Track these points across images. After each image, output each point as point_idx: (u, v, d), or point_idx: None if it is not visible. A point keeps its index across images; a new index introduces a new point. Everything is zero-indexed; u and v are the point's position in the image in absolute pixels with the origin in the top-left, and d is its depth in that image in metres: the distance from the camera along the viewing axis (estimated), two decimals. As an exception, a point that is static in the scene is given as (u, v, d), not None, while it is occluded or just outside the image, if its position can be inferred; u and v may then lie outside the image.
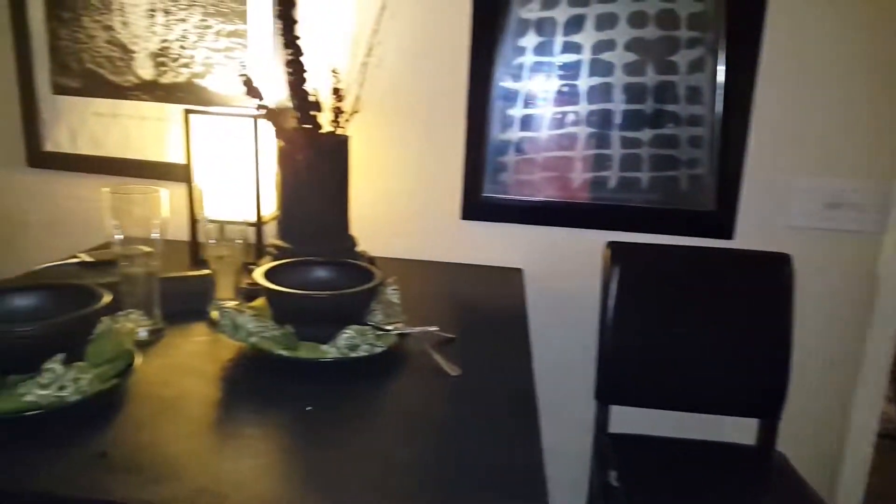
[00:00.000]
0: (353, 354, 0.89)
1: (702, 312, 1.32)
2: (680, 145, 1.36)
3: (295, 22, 1.02)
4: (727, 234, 1.40)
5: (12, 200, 1.62)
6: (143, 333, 0.94)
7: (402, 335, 0.96)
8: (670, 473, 1.23)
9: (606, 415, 1.35)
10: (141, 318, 0.93)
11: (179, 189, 1.28)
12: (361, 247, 1.27)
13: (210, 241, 1.09)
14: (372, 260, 1.21)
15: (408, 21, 1.34)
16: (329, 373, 0.88)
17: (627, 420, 1.37)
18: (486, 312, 1.18)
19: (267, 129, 1.33)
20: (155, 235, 0.97)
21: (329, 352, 0.88)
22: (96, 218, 1.58)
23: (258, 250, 1.29)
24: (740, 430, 1.38)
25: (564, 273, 1.45)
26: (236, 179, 1.28)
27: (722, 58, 1.32)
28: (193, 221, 1.34)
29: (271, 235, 1.38)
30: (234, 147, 1.29)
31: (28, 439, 0.69)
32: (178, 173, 1.46)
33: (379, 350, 0.90)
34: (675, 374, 1.31)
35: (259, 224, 1.31)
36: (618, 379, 1.33)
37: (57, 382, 0.72)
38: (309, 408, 0.79)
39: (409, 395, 0.86)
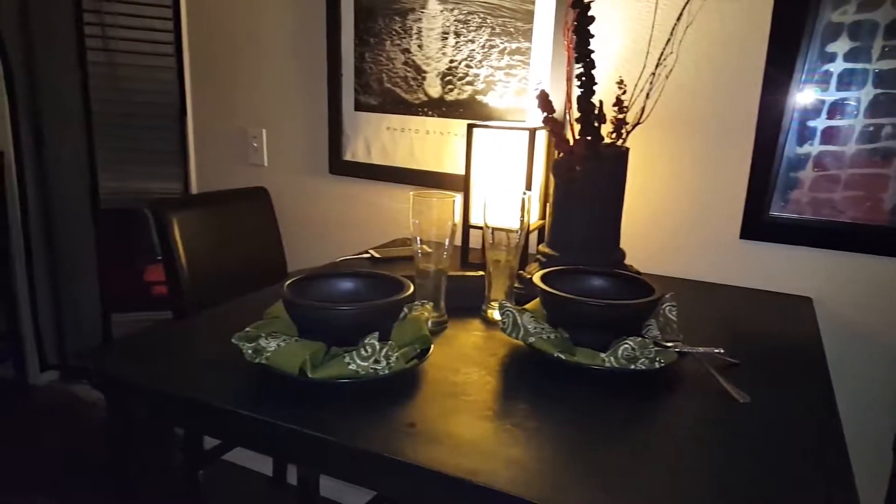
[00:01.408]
0: (632, 367, 0.87)
1: None
2: None
3: (591, 36, 1.04)
4: None
5: (316, 202, 1.89)
6: (429, 323, 1.03)
7: (681, 353, 0.93)
8: None
9: (909, 476, 1.15)
10: (431, 309, 1.02)
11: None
12: (629, 261, 1.25)
13: (487, 246, 1.16)
14: (639, 275, 1.18)
15: (703, 30, 1.30)
16: (603, 380, 0.88)
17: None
18: (773, 341, 1.08)
19: (543, 140, 1.38)
20: (446, 237, 1.05)
21: (607, 361, 0.88)
22: (383, 218, 1.78)
23: (524, 257, 1.34)
24: None
25: (865, 306, 1.28)
26: (507, 188, 1.35)
27: None
28: (466, 227, 1.43)
29: (535, 243, 1.42)
30: (507, 158, 1.35)
31: (348, 403, 0.80)
32: (452, 182, 1.59)
33: (658, 365, 0.88)
34: None
35: (527, 231, 1.35)
36: (930, 437, 1.12)
37: (373, 356, 0.82)
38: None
39: (692, 414, 0.82)
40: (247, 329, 0.89)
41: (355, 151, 1.77)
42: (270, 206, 1.88)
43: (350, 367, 0.81)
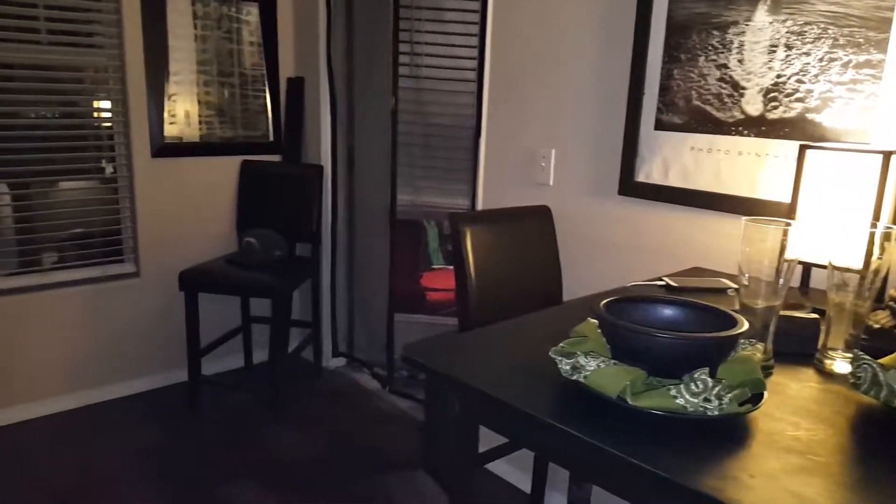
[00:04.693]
0: None
1: None
2: None
3: None
4: None
5: (600, 223, 1.84)
6: (754, 366, 0.91)
7: None
8: None
9: None
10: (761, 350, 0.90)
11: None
12: None
13: (830, 287, 1.00)
14: None
15: None
16: None
17: None
18: None
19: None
20: (777, 271, 0.93)
21: None
22: (675, 245, 1.67)
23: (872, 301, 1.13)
24: None
25: None
26: (849, 220, 1.16)
27: None
28: (787, 261, 1.26)
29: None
30: (848, 185, 1.17)
31: (669, 438, 0.73)
32: (765, 210, 1.42)
33: None
34: None
35: (870, 273, 1.14)
36: None
37: (704, 394, 0.74)
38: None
39: None
40: (561, 345, 0.87)
41: (650, 173, 1.69)
42: (552, 225, 1.88)
43: (677, 400, 0.74)
